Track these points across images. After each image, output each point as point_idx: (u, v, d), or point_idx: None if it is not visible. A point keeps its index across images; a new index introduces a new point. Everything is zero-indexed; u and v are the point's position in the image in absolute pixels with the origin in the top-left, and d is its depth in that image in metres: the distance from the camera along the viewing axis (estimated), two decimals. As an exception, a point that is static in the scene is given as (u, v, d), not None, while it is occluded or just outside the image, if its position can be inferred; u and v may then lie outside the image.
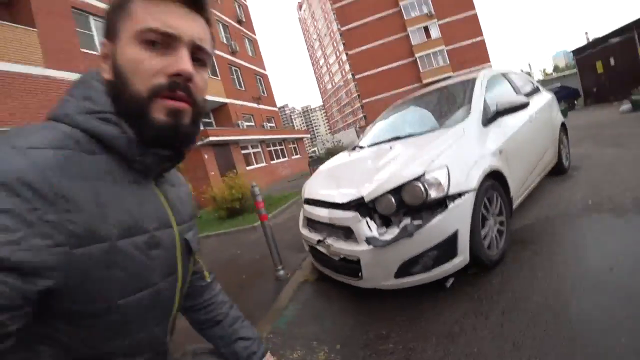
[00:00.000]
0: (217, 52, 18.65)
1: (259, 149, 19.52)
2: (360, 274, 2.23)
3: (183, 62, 0.55)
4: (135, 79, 0.54)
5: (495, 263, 2.34)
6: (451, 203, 2.03)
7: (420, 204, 2.06)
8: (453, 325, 1.90)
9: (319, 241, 2.55)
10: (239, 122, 19.36)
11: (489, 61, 36.88)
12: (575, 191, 3.56)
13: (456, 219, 2.02)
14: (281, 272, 3.20)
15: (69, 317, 0.51)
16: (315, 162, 16.71)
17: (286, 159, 23.39)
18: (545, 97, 4.18)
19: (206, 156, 13.67)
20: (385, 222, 2.22)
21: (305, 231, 2.87)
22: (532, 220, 3.05)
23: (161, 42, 0.54)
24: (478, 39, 36.73)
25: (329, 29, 79.59)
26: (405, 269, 2.08)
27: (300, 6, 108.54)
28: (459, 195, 2.06)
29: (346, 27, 40.29)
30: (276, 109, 26.96)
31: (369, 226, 2.17)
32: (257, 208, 3.19)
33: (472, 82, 3.14)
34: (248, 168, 17.33)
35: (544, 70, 65.21)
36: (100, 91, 0.57)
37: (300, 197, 3.13)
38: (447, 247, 2.03)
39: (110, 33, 0.57)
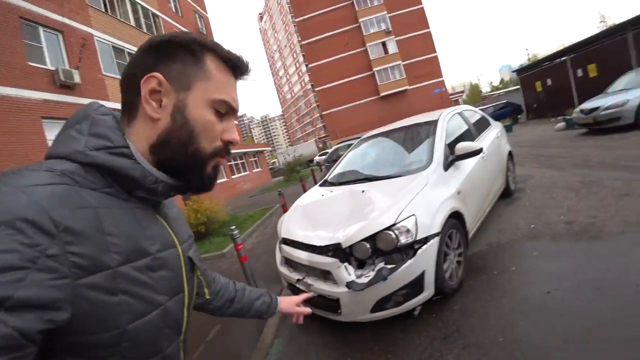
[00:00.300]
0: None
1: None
2: (339, 311, 2.47)
3: (235, 132, 0.67)
4: (203, 138, 0.62)
5: (455, 291, 2.70)
6: (419, 248, 2.36)
7: (392, 249, 2.36)
8: (422, 353, 2.20)
9: (298, 280, 2.75)
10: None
11: (442, 76, 39.72)
12: (520, 215, 4.08)
13: (423, 262, 2.35)
14: None
15: (79, 350, 0.51)
16: (278, 172, 16.88)
17: (247, 172, 23.22)
18: (494, 130, 4.73)
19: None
20: (360, 264, 2.48)
21: (284, 270, 3.01)
22: (483, 247, 3.49)
23: (225, 112, 0.66)
24: (432, 55, 39.47)
25: (289, 41, 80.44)
26: (379, 305, 2.36)
27: (261, 17, 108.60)
28: (426, 240, 2.40)
29: (307, 41, 41.28)
30: (236, 122, 26.72)
31: (347, 271, 2.41)
32: (237, 250, 3.30)
33: (435, 125, 3.55)
34: (210, 183, 16.98)
35: (491, 82, 70.79)
36: (113, 127, 0.60)
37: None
38: (416, 286, 2.35)
39: (178, 81, 0.61)
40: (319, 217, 3.08)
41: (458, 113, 4.12)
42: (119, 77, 8.50)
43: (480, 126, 4.48)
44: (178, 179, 0.66)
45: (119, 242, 0.54)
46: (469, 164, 3.31)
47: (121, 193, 0.59)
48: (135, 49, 14.63)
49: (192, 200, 8.26)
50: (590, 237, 3.06)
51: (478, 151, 3.06)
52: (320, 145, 39.77)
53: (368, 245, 2.40)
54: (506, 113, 18.95)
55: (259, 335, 2.93)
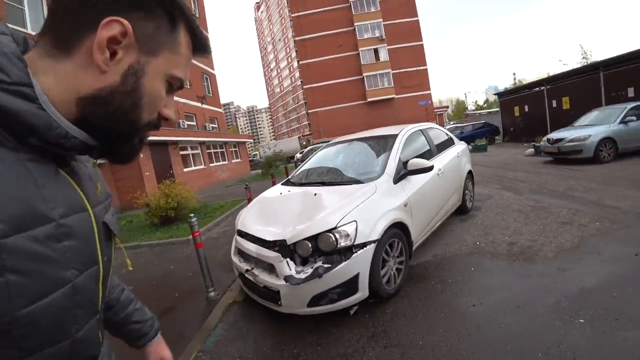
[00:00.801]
0: (163, 46, 17.84)
1: (199, 151, 19.00)
2: (279, 302, 2.65)
3: (173, 110, 0.61)
4: (147, 109, 0.55)
5: (392, 295, 2.92)
6: (356, 251, 2.55)
7: (331, 250, 2.54)
8: (348, 348, 2.40)
9: (247, 270, 2.92)
10: (181, 120, 18.66)
11: (429, 89, 40.67)
12: (470, 232, 4.35)
13: (358, 265, 2.55)
14: (212, 294, 3.45)
15: None
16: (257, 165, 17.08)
17: (226, 162, 23.01)
18: (456, 150, 5.02)
19: (142, 155, 12.95)
20: (304, 261, 2.65)
21: (235, 259, 3.19)
22: (429, 258, 3.73)
23: (173, 88, 0.59)
24: (422, 67, 40.35)
25: (284, 35, 79.99)
26: (315, 301, 2.56)
27: (258, 7, 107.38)
28: (364, 245, 2.60)
29: (300, 38, 41.25)
30: (221, 110, 26.43)
31: (288, 266, 2.60)
32: (194, 237, 3.39)
33: (393, 139, 3.77)
34: (185, 170, 16.78)
35: (476, 101, 72.95)
36: (12, 55, 0.46)
37: (236, 207, 3.46)
38: (350, 286, 2.55)
39: (146, 43, 0.52)
40: (272, 214, 3.25)
41: (420, 130, 4.36)
42: None
43: (442, 144, 4.74)
44: (99, 142, 0.55)
45: (2, 206, 0.42)
46: (421, 179, 3.54)
47: (8, 140, 0.45)
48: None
49: (165, 185, 8.23)
50: (526, 259, 3.33)
51: (428, 169, 3.29)
52: (304, 143, 39.82)
53: (310, 245, 2.59)
54: (483, 133, 19.77)
55: (205, 318, 3.05)
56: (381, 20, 39.45)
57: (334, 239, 2.54)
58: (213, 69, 25.51)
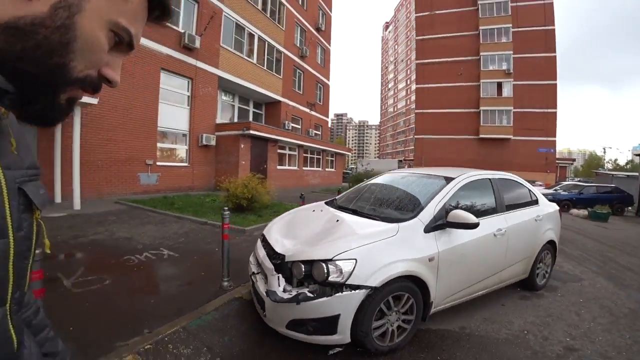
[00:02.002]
0: (286, 52, 19.65)
1: (296, 152, 20.19)
2: (264, 313, 2.64)
3: (118, 73, 0.52)
4: (80, 57, 0.45)
5: (383, 353, 2.55)
6: (343, 292, 2.31)
7: (322, 280, 2.37)
8: None
9: (253, 273, 2.97)
10: (286, 121, 20.16)
11: (555, 135, 35.07)
12: (523, 316, 3.52)
13: (340, 306, 2.31)
14: (225, 284, 3.61)
15: None
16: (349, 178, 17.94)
17: (320, 169, 23.88)
18: (536, 211, 4.18)
19: (242, 146, 14.46)
20: (300, 282, 2.53)
21: (251, 259, 3.26)
22: (453, 328, 3.15)
23: (119, 44, 0.50)
24: (550, 110, 35.09)
25: (407, 56, 79.73)
26: (293, 325, 2.44)
27: (386, 27, 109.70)
28: (356, 287, 2.33)
29: (421, 61, 40.33)
30: (327, 119, 27.61)
31: (278, 281, 2.53)
32: (223, 228, 3.60)
33: (446, 182, 3.34)
34: (279, 167, 17.99)
35: (616, 160, 59.99)
36: None
37: None
38: (328, 324, 2.33)
39: None
40: (294, 228, 3.22)
41: (489, 179, 3.75)
42: (233, 50, 9.72)
43: (516, 201, 4.00)
44: (16, 87, 0.44)
45: None
46: (465, 235, 3.04)
47: None
48: (255, 29, 16.37)
49: (247, 177, 9.00)
50: None
51: (472, 225, 2.80)
52: (405, 167, 38.74)
53: (303, 268, 2.47)
54: (610, 199, 15.95)
55: (205, 303, 3.21)
56: (511, 52, 35.61)
57: (325, 270, 2.37)
58: (328, 79, 26.90)
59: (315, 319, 2.33)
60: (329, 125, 29.30)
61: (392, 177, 4.26)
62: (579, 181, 22.76)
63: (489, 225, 3.39)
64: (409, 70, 78.09)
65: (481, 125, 36.71)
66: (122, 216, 7.49)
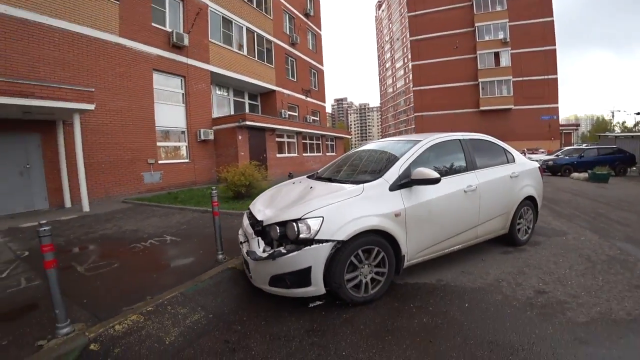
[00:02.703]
0: (276, 40, 19.66)
1: (294, 140, 20.41)
2: (250, 274, 2.99)
3: None
4: None
5: (360, 304, 2.85)
6: (314, 245, 2.60)
7: (294, 238, 2.67)
8: (284, 331, 2.54)
9: (241, 242, 3.31)
10: (283, 110, 20.33)
11: (557, 102, 34.58)
12: (500, 267, 3.75)
13: (310, 258, 2.61)
14: (220, 257, 3.94)
15: None
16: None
17: (320, 154, 24.08)
18: (511, 169, 4.37)
19: (240, 137, 14.73)
20: (279, 244, 2.83)
21: (240, 231, 3.60)
22: (430, 280, 3.42)
23: None
24: (551, 76, 34.51)
25: (402, 34, 78.35)
26: (274, 282, 2.76)
27: (379, 5, 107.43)
28: (325, 241, 2.62)
29: (415, 38, 39.79)
30: (324, 104, 27.67)
31: (258, 244, 2.85)
32: (213, 206, 3.90)
33: (412, 145, 3.57)
34: (278, 155, 18.26)
35: (624, 123, 58.65)
36: None
37: None
38: (301, 277, 2.64)
39: None
40: (274, 199, 3.54)
41: (459, 140, 3.95)
42: (222, 44, 9.99)
43: (489, 160, 4.21)
44: None
45: None
46: (432, 192, 3.29)
47: None
48: (242, 21, 16.44)
49: (243, 165, 9.32)
50: (542, 315, 2.67)
51: (433, 180, 3.03)
52: (406, 146, 38.55)
53: (278, 230, 2.77)
54: (611, 160, 15.65)
55: (202, 273, 3.54)
56: (507, 20, 34.91)
57: (296, 229, 2.66)
58: (322, 64, 26.83)
59: (291, 272, 2.64)
60: (330, 112, 29.38)
61: (371, 145, 4.52)
62: (586, 146, 22.36)
63: (459, 182, 3.62)
64: (405, 49, 76.89)
65: (481, 98, 36.38)
66: (128, 213, 7.87)
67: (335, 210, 2.77)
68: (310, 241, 2.63)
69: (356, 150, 4.67)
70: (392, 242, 2.98)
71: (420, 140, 3.64)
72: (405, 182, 3.15)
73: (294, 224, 2.68)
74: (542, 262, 3.91)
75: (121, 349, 2.36)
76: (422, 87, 39.68)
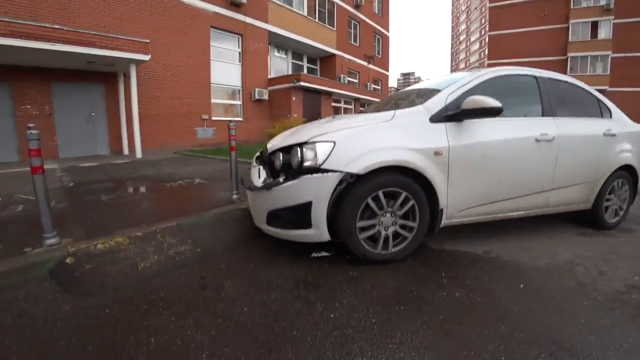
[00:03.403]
0: (339, 2, 18.57)
1: (352, 106, 19.55)
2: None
3: None
4: None
5: (374, 261, 2.27)
6: (316, 174, 2.04)
7: (297, 167, 2.13)
8: (276, 281, 2.07)
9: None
10: (342, 75, 19.41)
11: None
12: (577, 249, 2.82)
13: (310, 191, 2.04)
14: (235, 197, 3.60)
15: None
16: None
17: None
18: (604, 125, 3.30)
19: (294, 98, 14.39)
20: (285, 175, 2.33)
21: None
22: (475, 250, 2.66)
23: None
24: (664, 53, 28.00)
25: (481, 3, 70.29)
26: (271, 219, 2.27)
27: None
28: (332, 171, 2.04)
29: (495, 4, 34.89)
30: (387, 73, 26.02)
31: (259, 173, 2.41)
32: (230, 139, 3.53)
33: (471, 76, 2.74)
34: (332, 123, 17.62)
35: None
36: None
37: None
38: (300, 214, 2.10)
39: None
40: (296, 132, 2.96)
41: (534, 77, 3.00)
42: (282, 3, 9.52)
43: (575, 108, 3.19)
44: None
45: None
46: (489, 132, 2.50)
47: None
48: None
49: (291, 120, 8.98)
50: (638, 317, 1.79)
51: (491, 110, 2.23)
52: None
53: (282, 158, 2.27)
54: None
55: (210, 209, 3.25)
56: (612, -19, 28.31)
57: (299, 154, 2.12)
58: (387, 30, 25.06)
59: (287, 208, 2.13)
60: (395, 85, 27.60)
61: (426, 82, 3.60)
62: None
63: (530, 126, 2.76)
64: (483, 19, 69.08)
65: (568, 75, 31.15)
66: (174, 161, 8.05)
67: (352, 136, 2.16)
68: (315, 170, 2.08)
69: (406, 89, 3.87)
70: (427, 189, 2.30)
71: (481, 71, 2.80)
72: (454, 114, 2.39)
73: (298, 148, 2.14)
74: (638, 252, 2.85)
75: (92, 265, 2.13)
76: (497, 61, 35.29)
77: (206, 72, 11.98)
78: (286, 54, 17.19)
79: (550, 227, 3.37)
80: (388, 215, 2.25)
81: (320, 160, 2.06)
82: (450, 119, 2.40)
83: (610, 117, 3.47)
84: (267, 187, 2.14)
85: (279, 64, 16.78)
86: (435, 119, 2.37)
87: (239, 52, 13.40)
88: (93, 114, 9.37)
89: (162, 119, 10.74)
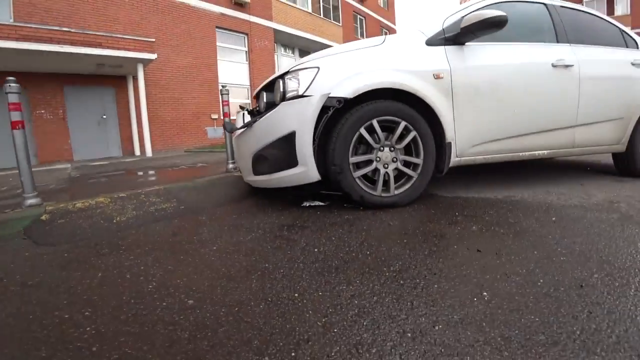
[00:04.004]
0: (344, -3, 18.40)
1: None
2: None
3: None
4: None
5: (374, 206, 1.97)
6: (296, 99, 1.78)
7: (280, 100, 1.87)
8: (258, 232, 1.76)
9: None
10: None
11: None
12: (615, 192, 2.39)
13: (292, 118, 1.78)
14: (230, 166, 3.41)
15: None
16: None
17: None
18: (629, 55, 2.84)
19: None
20: None
21: None
22: (498, 195, 2.30)
23: None
24: None
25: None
26: (256, 165, 2.03)
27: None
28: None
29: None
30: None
31: (243, 118, 2.16)
32: (223, 105, 3.35)
33: (470, 2, 2.40)
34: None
35: None
36: None
37: None
38: (284, 150, 1.84)
39: None
40: None
41: (544, 4, 2.60)
42: (285, 1, 9.37)
43: (595, 38, 2.78)
44: None
45: None
46: (496, 54, 2.18)
47: None
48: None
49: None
50: None
51: (494, 21, 1.88)
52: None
53: (265, 96, 2.03)
54: None
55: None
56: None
57: (282, 86, 1.87)
58: (394, 23, 24.70)
59: (270, 144, 1.87)
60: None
61: None
62: None
63: (544, 51, 2.40)
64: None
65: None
66: (182, 156, 8.00)
67: (339, 60, 1.89)
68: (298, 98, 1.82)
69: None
70: (430, 119, 2.00)
71: None
72: (453, 36, 2.07)
73: (280, 80, 1.90)
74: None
75: (65, 220, 1.96)
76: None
77: (213, 72, 12.00)
78: (293, 52, 17.10)
79: (581, 175, 3.00)
80: (386, 149, 1.96)
81: (303, 88, 1.80)
82: (450, 42, 2.09)
83: (637, 47, 3.04)
84: (248, 124, 1.92)
85: (287, 63, 16.70)
86: (433, 42, 2.06)
87: (246, 51, 13.41)
88: (105, 116, 9.50)
89: (172, 119, 10.80)
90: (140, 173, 4.45)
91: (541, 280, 1.09)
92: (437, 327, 0.84)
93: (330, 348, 0.76)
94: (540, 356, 0.73)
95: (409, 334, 0.81)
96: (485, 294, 1.01)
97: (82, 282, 1.20)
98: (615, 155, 2.99)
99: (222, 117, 3.41)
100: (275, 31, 14.32)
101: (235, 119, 2.63)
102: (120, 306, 1.02)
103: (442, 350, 0.75)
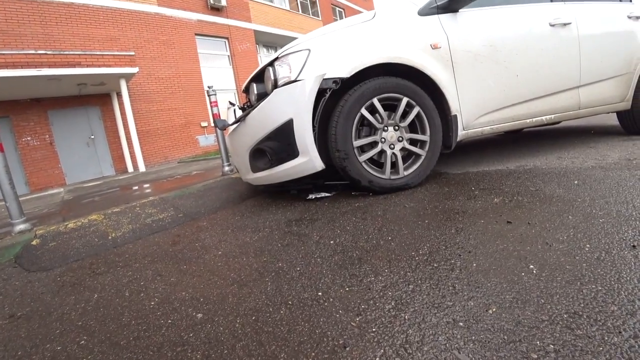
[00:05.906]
0: (321, -10, 18.23)
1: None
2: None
3: None
4: None
5: (384, 190, 1.85)
6: (289, 84, 1.64)
7: (272, 89, 1.73)
8: (266, 223, 1.64)
9: None
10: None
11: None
12: (629, 151, 2.30)
13: (288, 105, 1.64)
14: (226, 168, 3.29)
15: None
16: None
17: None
18: (625, 8, 2.72)
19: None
20: None
21: None
22: (510, 167, 2.19)
23: None
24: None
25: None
26: (254, 161, 1.90)
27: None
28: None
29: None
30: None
31: (234, 113, 2.01)
32: (212, 106, 3.21)
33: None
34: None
35: None
36: None
37: None
38: (282, 141, 1.70)
39: None
40: None
41: None
42: (262, 1, 9.14)
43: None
44: None
45: None
46: (493, 20, 2.06)
47: None
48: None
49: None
50: None
51: None
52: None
53: (255, 88, 1.90)
54: None
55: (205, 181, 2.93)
56: None
57: (273, 72, 1.73)
58: (375, 13, 24.54)
59: (267, 136, 1.74)
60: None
61: None
62: None
63: (539, 11, 2.29)
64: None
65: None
66: (176, 167, 7.85)
67: (330, 40, 1.76)
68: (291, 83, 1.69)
69: None
70: (433, 92, 1.88)
71: None
72: (445, 3, 1.95)
73: (270, 68, 1.76)
74: None
75: (57, 242, 1.82)
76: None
77: (198, 80, 11.80)
78: (276, 51, 16.89)
79: (588, 138, 2.90)
80: (391, 129, 1.83)
81: (295, 73, 1.67)
82: (442, 10, 1.97)
83: (631, 0, 2.93)
84: (240, 118, 1.79)
85: (272, 63, 16.51)
86: (425, 11, 1.94)
87: (228, 56, 13.22)
88: (93, 136, 9.30)
89: (162, 132, 10.60)
90: (135, 187, 4.32)
91: (588, 245, 0.98)
92: (490, 311, 0.72)
93: (373, 352, 0.64)
94: (621, 330, 0.61)
95: (461, 323, 0.69)
96: (532, 266, 0.89)
97: (76, 307, 1.07)
98: (621, 115, 2.89)
99: (212, 125, 3.27)
100: (256, 32, 14.13)
101: (225, 117, 2.49)
102: (119, 330, 0.89)
103: (505, 337, 0.63)
